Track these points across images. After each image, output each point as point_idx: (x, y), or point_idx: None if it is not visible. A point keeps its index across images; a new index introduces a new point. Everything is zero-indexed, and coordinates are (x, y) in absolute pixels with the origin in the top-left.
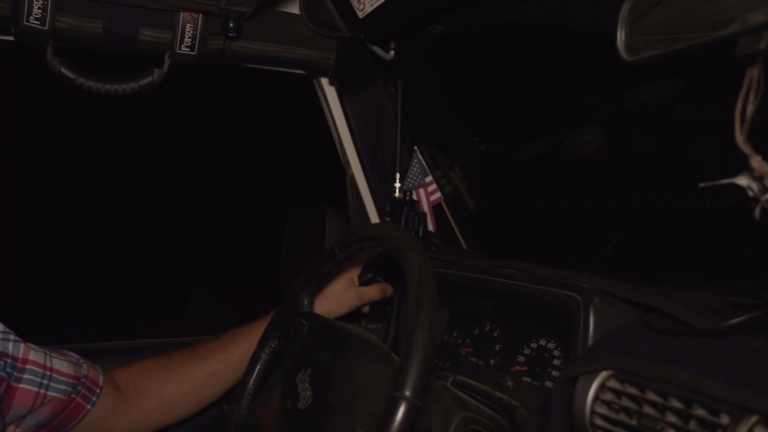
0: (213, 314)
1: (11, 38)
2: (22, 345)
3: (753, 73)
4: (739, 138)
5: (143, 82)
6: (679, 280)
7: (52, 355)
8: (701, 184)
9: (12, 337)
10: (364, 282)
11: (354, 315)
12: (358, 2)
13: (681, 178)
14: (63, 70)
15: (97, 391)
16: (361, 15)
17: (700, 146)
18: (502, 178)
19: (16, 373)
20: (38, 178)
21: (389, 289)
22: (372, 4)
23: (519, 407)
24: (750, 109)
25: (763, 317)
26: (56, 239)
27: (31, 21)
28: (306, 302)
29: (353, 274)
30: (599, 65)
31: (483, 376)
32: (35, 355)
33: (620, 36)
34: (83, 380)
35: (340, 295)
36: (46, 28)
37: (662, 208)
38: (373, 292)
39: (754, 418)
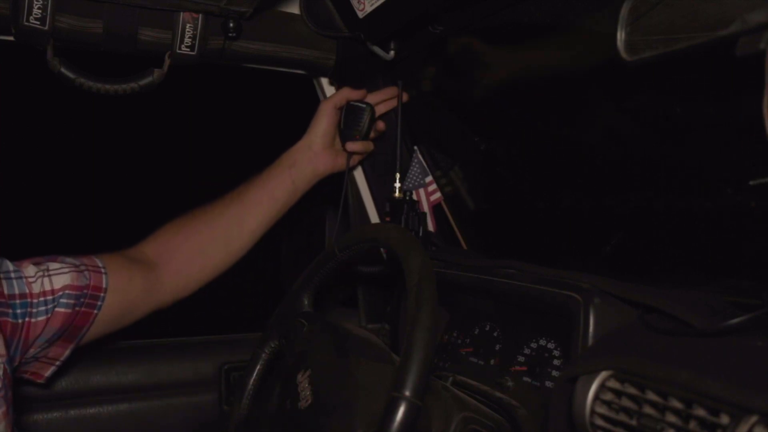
0: (213, 314)
1: (11, 38)
2: (24, 279)
3: None
4: None
5: (143, 82)
6: (679, 280)
7: (50, 272)
8: (752, 182)
9: (13, 274)
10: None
11: (354, 315)
12: (358, 2)
13: (681, 178)
14: (63, 70)
15: (101, 295)
16: (361, 15)
17: (700, 146)
18: (502, 178)
19: (29, 309)
20: (38, 178)
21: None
22: (372, 4)
23: (519, 407)
24: None
25: (763, 317)
26: (56, 239)
27: (31, 21)
28: (306, 302)
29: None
30: (599, 65)
31: (483, 376)
32: (36, 286)
33: (620, 36)
34: (85, 290)
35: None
36: (46, 28)
37: (662, 208)
38: (356, 147)
39: (754, 418)
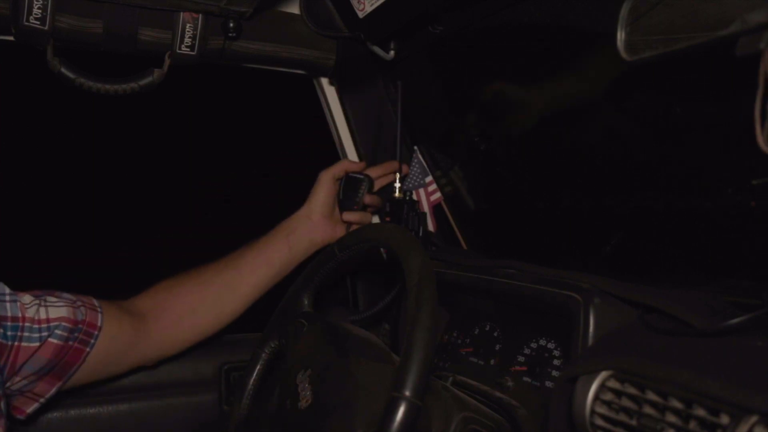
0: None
1: (11, 38)
2: (18, 303)
3: (766, 70)
4: (761, 138)
5: (143, 82)
6: (679, 280)
7: (47, 303)
8: (754, 182)
9: (8, 297)
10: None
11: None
12: (358, 2)
13: (681, 178)
14: (63, 70)
15: (95, 333)
16: (361, 15)
17: (700, 146)
18: (502, 178)
19: (18, 333)
20: (38, 177)
21: (368, 217)
22: (372, 4)
23: (519, 407)
24: None
25: (763, 317)
26: (56, 239)
27: (31, 21)
28: (306, 302)
29: (329, 197)
30: (599, 65)
31: (483, 376)
32: (31, 311)
33: (620, 36)
34: (80, 325)
35: (321, 225)
36: (46, 28)
37: (662, 208)
38: (353, 217)
39: (754, 418)
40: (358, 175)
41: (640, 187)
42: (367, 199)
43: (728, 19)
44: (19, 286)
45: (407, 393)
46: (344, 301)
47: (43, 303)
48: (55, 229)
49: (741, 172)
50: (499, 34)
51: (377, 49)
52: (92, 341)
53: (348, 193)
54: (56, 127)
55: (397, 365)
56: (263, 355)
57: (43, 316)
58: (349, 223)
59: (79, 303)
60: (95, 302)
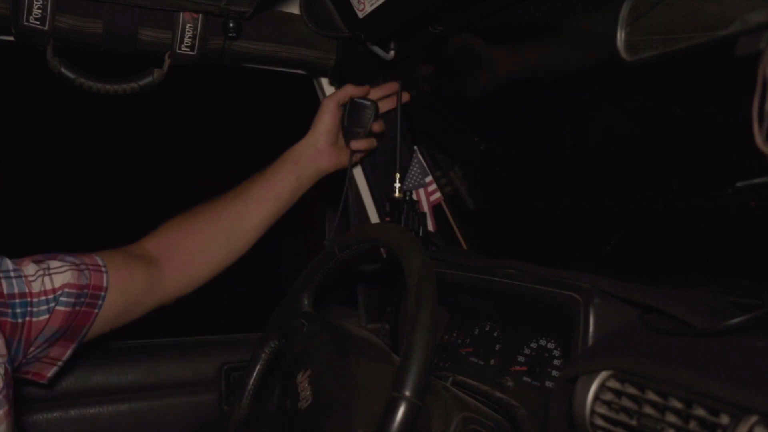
0: (213, 314)
1: (11, 38)
2: (23, 278)
3: (765, 70)
4: (758, 138)
5: (143, 82)
6: (679, 280)
7: (51, 270)
8: (739, 184)
9: (12, 273)
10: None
11: (354, 315)
12: (358, 2)
13: (681, 178)
14: (63, 70)
15: (102, 294)
16: (361, 15)
17: (700, 146)
18: (502, 178)
19: (28, 309)
20: (38, 177)
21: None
22: (372, 4)
23: (519, 407)
24: None
25: (763, 317)
26: (57, 237)
27: (31, 21)
28: (306, 302)
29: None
30: (599, 65)
31: (483, 376)
32: (36, 285)
33: (620, 36)
34: (85, 289)
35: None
36: (46, 28)
37: (662, 208)
38: (368, 142)
39: (754, 418)
40: (364, 101)
41: (640, 187)
42: (374, 126)
43: (728, 19)
44: None
45: (407, 393)
46: (344, 301)
47: (46, 272)
48: (56, 226)
49: (741, 172)
50: (499, 34)
51: (377, 49)
52: (99, 302)
53: (354, 119)
54: (56, 127)
55: (397, 365)
56: (263, 355)
57: (48, 286)
58: (354, 151)
59: (83, 266)
60: (99, 260)
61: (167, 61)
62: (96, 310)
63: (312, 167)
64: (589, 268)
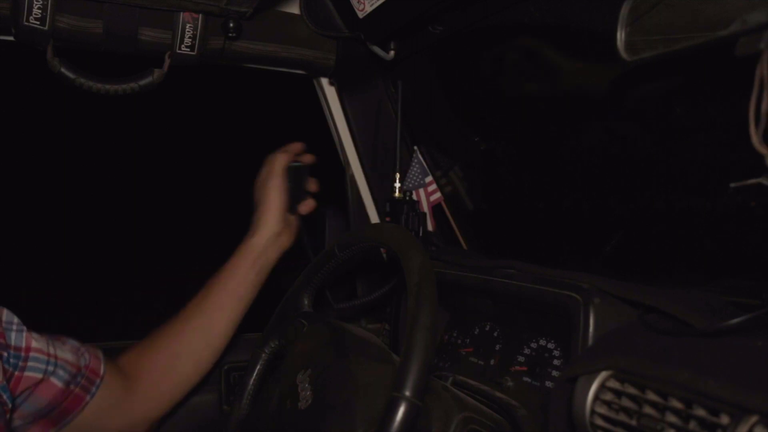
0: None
1: (11, 38)
2: (24, 333)
3: (763, 71)
4: (755, 138)
5: (143, 82)
6: (679, 280)
7: (54, 343)
8: (732, 185)
9: (15, 326)
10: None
11: (354, 315)
12: (358, 2)
13: (681, 178)
14: (63, 70)
15: (97, 381)
16: (361, 15)
17: (700, 146)
18: (502, 178)
19: (20, 363)
20: (38, 178)
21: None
22: (372, 4)
23: (519, 407)
24: (765, 107)
25: (763, 317)
26: (58, 238)
27: (31, 21)
28: (306, 302)
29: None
30: (599, 65)
31: (483, 376)
32: (37, 343)
33: (620, 36)
34: (83, 370)
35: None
36: (46, 28)
37: (662, 208)
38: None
39: (754, 418)
40: (297, 164)
41: (640, 187)
42: (312, 185)
43: (728, 19)
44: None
45: (407, 393)
46: (345, 301)
47: (50, 342)
48: (55, 228)
49: (741, 173)
50: (499, 34)
51: (377, 49)
52: (93, 389)
53: (296, 185)
54: (56, 127)
55: (397, 365)
56: (263, 355)
57: (51, 351)
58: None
59: (83, 349)
60: (98, 351)
61: (167, 61)
62: (88, 397)
63: (273, 255)
64: (589, 268)
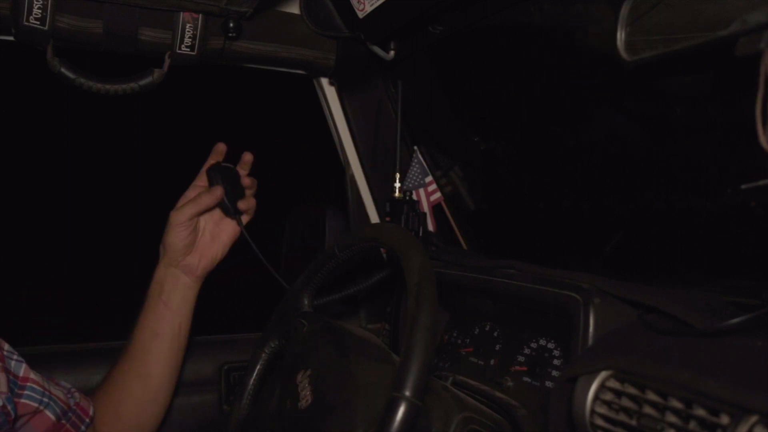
0: (214, 314)
1: (11, 38)
2: (23, 365)
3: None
4: (762, 138)
5: (143, 82)
6: (679, 280)
7: (47, 381)
8: (743, 186)
9: (15, 357)
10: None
11: (354, 315)
12: (358, 2)
13: (681, 178)
14: (63, 70)
15: (87, 420)
16: (361, 15)
17: (700, 146)
18: (502, 178)
19: (17, 390)
20: (38, 178)
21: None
22: (372, 4)
23: (519, 407)
24: None
25: (763, 317)
26: (57, 238)
27: (31, 21)
28: (306, 302)
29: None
30: (599, 65)
31: (483, 376)
32: (34, 375)
33: (620, 36)
34: (73, 407)
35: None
36: (46, 28)
37: (662, 208)
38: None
39: (754, 418)
40: (225, 164)
41: (640, 187)
42: (247, 180)
43: (728, 19)
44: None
45: (407, 393)
46: (344, 301)
47: (44, 378)
48: (55, 228)
49: (741, 173)
50: (499, 34)
51: (377, 49)
52: (83, 427)
53: (228, 180)
54: (56, 127)
55: (397, 365)
56: (263, 355)
57: (46, 386)
58: (242, 213)
59: (73, 390)
60: (88, 398)
61: (167, 61)
62: None
63: (179, 286)
64: (589, 268)
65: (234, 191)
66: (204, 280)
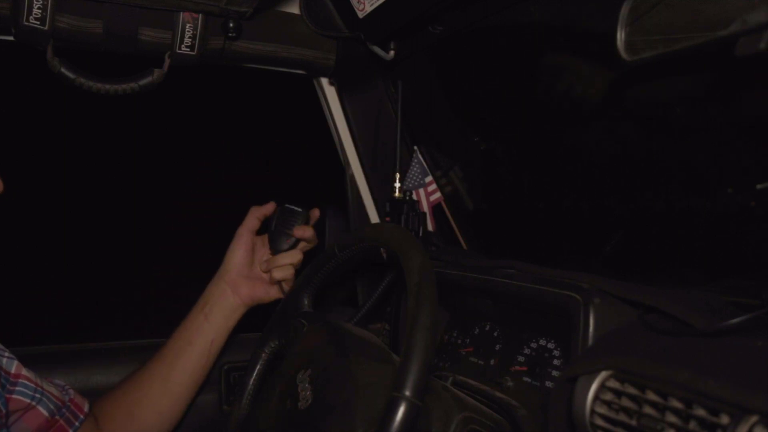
0: None
1: (11, 38)
2: (15, 362)
3: None
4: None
5: (143, 82)
6: (679, 280)
7: (41, 378)
8: (759, 186)
9: (6, 354)
10: (281, 247)
11: (354, 315)
12: (358, 2)
13: (681, 178)
14: (63, 70)
15: (81, 417)
16: (361, 15)
17: (700, 146)
18: (502, 178)
19: (8, 386)
20: (38, 178)
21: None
22: (372, 4)
23: (519, 407)
24: None
25: (763, 317)
26: (57, 238)
27: (31, 21)
28: (306, 302)
29: (254, 242)
30: (599, 65)
31: (483, 376)
32: (27, 372)
33: (620, 36)
34: (68, 404)
35: (250, 278)
36: (46, 28)
37: (662, 208)
38: (291, 255)
39: (754, 418)
40: (295, 207)
41: (640, 187)
42: (304, 232)
43: (728, 19)
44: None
45: (407, 393)
46: (344, 301)
47: (37, 375)
48: (55, 228)
49: (741, 172)
50: (499, 34)
51: (377, 49)
52: (76, 424)
53: (281, 224)
54: (56, 127)
55: (397, 365)
56: (263, 355)
57: (38, 382)
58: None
59: (68, 387)
60: (85, 398)
61: (167, 61)
62: (71, 430)
63: (223, 302)
64: (589, 268)
65: (282, 232)
66: (248, 308)
